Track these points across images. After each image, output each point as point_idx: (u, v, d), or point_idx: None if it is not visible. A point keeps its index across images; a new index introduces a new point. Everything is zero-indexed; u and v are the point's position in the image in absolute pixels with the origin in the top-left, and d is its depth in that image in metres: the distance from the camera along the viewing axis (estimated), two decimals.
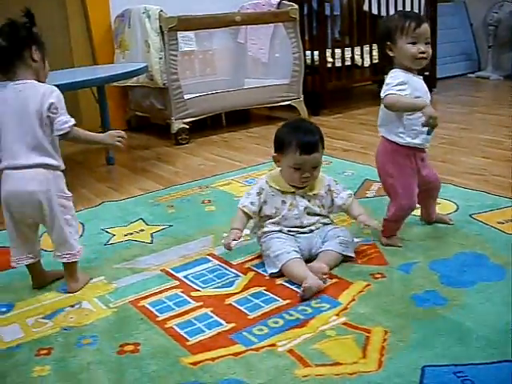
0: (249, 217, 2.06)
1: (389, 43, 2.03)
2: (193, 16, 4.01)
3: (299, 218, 2.04)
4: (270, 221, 2.05)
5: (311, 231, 2.04)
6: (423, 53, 1.99)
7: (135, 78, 4.03)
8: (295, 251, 1.94)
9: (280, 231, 2.02)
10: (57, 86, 2.86)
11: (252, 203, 2.04)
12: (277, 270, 1.93)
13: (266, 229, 2.05)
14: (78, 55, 4.50)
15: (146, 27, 3.93)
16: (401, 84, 1.98)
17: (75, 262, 1.96)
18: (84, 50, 4.53)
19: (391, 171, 2.10)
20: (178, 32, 3.95)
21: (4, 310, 1.86)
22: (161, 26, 3.88)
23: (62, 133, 1.86)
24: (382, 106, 2.02)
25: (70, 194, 1.93)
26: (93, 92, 3.59)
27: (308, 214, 2.05)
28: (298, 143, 1.96)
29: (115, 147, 2.03)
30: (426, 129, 1.95)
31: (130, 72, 3.42)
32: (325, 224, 2.08)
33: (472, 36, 6.53)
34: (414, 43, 1.98)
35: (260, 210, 2.06)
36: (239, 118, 4.63)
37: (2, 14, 2.00)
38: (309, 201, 2.06)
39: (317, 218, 2.07)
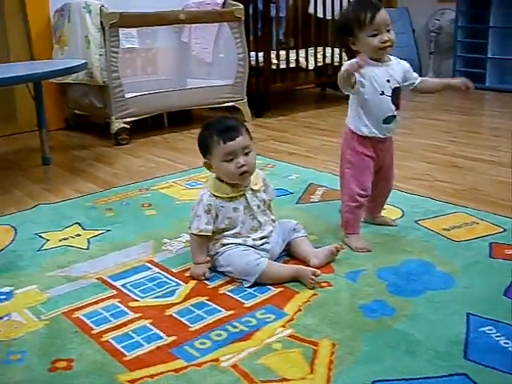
0: (208, 239, 1.96)
1: (351, 38, 2.00)
2: (135, 12, 3.90)
3: (255, 217, 1.95)
4: (228, 233, 1.94)
5: (269, 235, 1.97)
6: (386, 41, 1.97)
7: (74, 75, 3.89)
8: (260, 256, 1.89)
9: (242, 244, 1.92)
10: None
11: (207, 223, 1.91)
12: (250, 284, 1.85)
13: (225, 241, 1.93)
14: (14, 50, 4.30)
15: (87, 22, 3.79)
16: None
17: None
18: (21, 44, 4.34)
19: (349, 158, 2.10)
20: (120, 28, 3.83)
21: None
22: (102, 22, 3.74)
23: None
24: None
25: None
26: (29, 88, 3.43)
27: (261, 211, 1.98)
28: (218, 134, 1.88)
29: None
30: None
31: (69, 68, 3.28)
32: (273, 220, 2.03)
33: (414, 42, 6.60)
34: (375, 35, 1.95)
35: None
36: (181, 119, 4.54)
37: None
38: (257, 197, 1.97)
39: (267, 217, 2.00)
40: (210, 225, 1.92)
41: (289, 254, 2.04)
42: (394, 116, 2.07)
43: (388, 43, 1.97)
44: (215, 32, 4.57)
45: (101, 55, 3.77)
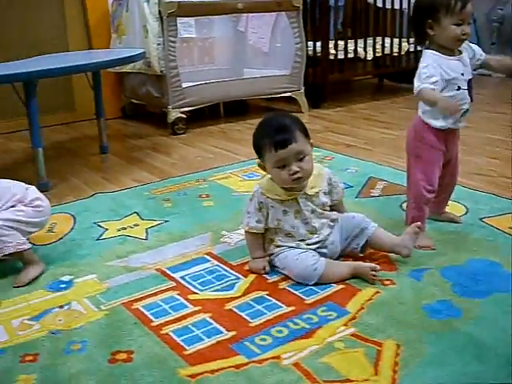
0: (261, 235, 1.91)
1: (430, 21, 1.92)
2: (193, 2, 3.88)
3: (309, 222, 1.87)
4: (281, 234, 1.88)
5: (326, 239, 1.89)
6: (467, 33, 1.90)
7: (132, 65, 3.91)
8: (317, 258, 1.81)
9: (296, 247, 1.86)
10: (51, 70, 2.77)
11: (258, 221, 1.87)
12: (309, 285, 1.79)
13: (279, 242, 1.89)
14: (73, 39, 4.36)
15: (145, 12, 3.79)
16: (431, 76, 1.90)
17: None
18: (79, 33, 4.40)
19: (417, 152, 2.03)
20: (178, 18, 3.82)
21: None
22: (160, 11, 3.74)
23: None
24: None
25: None
26: (88, 78, 3.45)
27: (316, 216, 1.89)
28: (270, 140, 1.79)
29: None
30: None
31: (128, 58, 3.28)
32: (332, 221, 1.93)
33: (475, 32, 6.41)
34: (459, 24, 1.88)
35: None
36: (237, 109, 4.52)
37: None
38: (313, 202, 1.89)
39: (325, 220, 1.91)
40: (260, 223, 1.87)
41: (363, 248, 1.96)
42: (468, 108, 2.01)
43: (465, 36, 1.90)
44: (272, 21, 4.53)
45: (159, 44, 3.77)
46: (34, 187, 2.00)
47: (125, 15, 4.08)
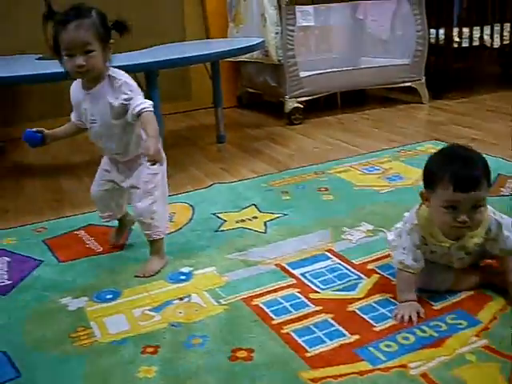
0: (415, 275, 1.63)
1: None
2: None
3: (451, 265, 1.69)
4: None
5: None
6: None
7: (249, 54, 3.88)
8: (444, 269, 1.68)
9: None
10: (173, 60, 2.79)
11: (415, 260, 1.60)
12: None
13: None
14: (190, 28, 4.41)
15: (263, 0, 3.75)
16: None
17: None
18: (197, 23, 4.44)
19: None
20: (296, 6, 3.76)
21: (110, 296, 1.76)
22: (278, 0, 3.69)
23: None
24: None
25: None
26: (206, 67, 3.47)
27: (461, 261, 1.69)
28: (452, 176, 1.49)
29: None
30: None
31: (248, 47, 3.26)
32: None
33: None
34: None
35: None
36: (355, 99, 4.40)
37: None
38: (466, 252, 1.65)
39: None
40: (417, 262, 1.61)
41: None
42: None
43: None
44: (393, 8, 4.37)
45: (277, 33, 3.73)
46: None
47: (243, 4, 4.07)
